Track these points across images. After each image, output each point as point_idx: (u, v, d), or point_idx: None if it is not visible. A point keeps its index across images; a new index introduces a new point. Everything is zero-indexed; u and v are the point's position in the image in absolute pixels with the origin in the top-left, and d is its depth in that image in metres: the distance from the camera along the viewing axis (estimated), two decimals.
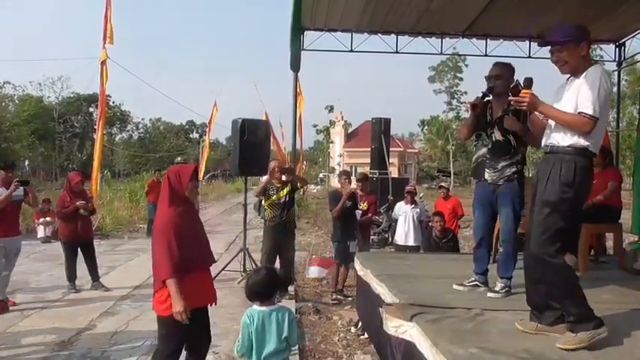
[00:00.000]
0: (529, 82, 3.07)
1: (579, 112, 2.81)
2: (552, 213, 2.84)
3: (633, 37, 8.04)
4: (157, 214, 3.40)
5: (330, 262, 7.36)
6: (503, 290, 3.94)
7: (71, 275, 7.01)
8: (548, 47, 3.05)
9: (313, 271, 8.11)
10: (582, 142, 2.84)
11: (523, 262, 3.16)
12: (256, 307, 2.89)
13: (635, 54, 8.60)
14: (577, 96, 2.86)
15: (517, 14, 6.78)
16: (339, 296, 6.97)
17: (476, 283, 4.14)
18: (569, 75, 3.02)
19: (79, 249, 7.06)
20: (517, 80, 3.27)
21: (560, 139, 2.92)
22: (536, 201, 2.96)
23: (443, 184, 9.66)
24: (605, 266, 5.43)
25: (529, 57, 7.86)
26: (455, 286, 4.17)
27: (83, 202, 6.96)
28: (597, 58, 11.14)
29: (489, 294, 3.94)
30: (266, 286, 2.89)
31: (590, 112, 2.78)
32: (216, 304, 3.44)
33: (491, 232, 4.35)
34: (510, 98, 3.09)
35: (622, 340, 2.90)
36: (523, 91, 2.99)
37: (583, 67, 2.92)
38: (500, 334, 3.04)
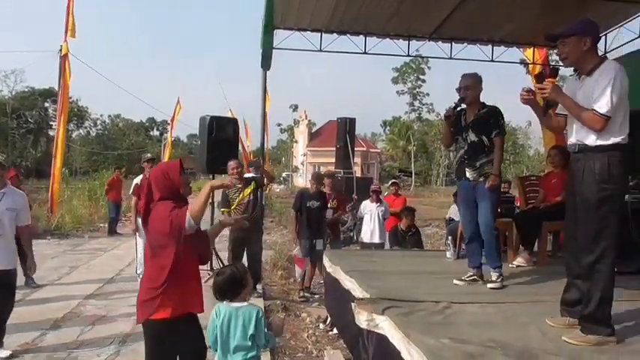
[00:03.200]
0: (555, 72, 3.08)
1: (592, 109, 2.79)
2: (595, 212, 2.81)
3: None
4: (156, 216, 2.97)
5: (302, 261, 7.33)
6: (499, 279, 4.17)
7: None
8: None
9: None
10: (613, 138, 2.81)
11: (564, 259, 3.24)
12: (225, 304, 2.93)
13: None
14: (592, 93, 2.82)
15: (481, 20, 7.01)
16: (306, 294, 7.04)
17: (474, 277, 4.32)
18: (577, 71, 3.01)
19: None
20: (545, 68, 3.19)
21: (589, 137, 2.85)
22: (577, 202, 2.93)
23: (395, 180, 9.95)
24: (562, 261, 5.68)
25: (492, 61, 8.12)
26: (455, 282, 4.29)
27: None
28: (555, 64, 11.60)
29: (489, 285, 4.15)
30: (231, 285, 2.92)
31: (602, 110, 2.76)
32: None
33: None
34: (536, 85, 3.04)
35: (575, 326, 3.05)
36: (548, 79, 3.04)
37: (589, 62, 2.89)
38: (468, 325, 3.16)
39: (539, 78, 3.08)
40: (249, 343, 2.87)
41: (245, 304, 2.95)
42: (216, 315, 2.92)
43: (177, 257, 2.92)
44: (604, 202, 2.81)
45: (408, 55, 8.08)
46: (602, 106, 2.77)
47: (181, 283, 2.95)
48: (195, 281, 3.11)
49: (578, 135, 2.93)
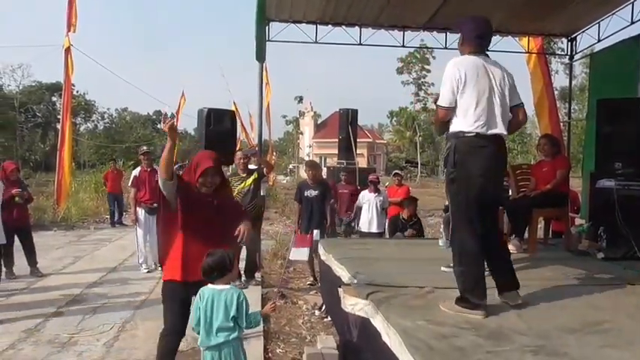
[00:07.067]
0: None
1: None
2: (448, 193, 3.27)
3: (583, 32, 8.45)
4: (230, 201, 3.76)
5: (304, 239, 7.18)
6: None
7: (9, 262, 6.93)
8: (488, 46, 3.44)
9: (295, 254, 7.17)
10: (456, 127, 3.17)
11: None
12: (210, 286, 3.06)
13: (586, 48, 9.03)
14: None
15: (473, 9, 7.01)
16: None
17: None
18: None
19: (15, 237, 7.05)
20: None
21: (451, 126, 3.26)
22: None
23: (398, 171, 10.04)
24: (552, 248, 5.78)
25: (487, 50, 8.13)
26: (443, 268, 4.30)
27: (18, 189, 7.00)
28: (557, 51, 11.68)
29: (443, 268, 4.23)
30: (216, 267, 3.04)
31: (440, 103, 3.19)
32: None
33: None
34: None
35: (550, 309, 3.31)
36: None
37: None
38: None
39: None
40: (232, 325, 3.00)
41: (228, 286, 3.08)
42: (200, 298, 3.04)
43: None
44: (452, 183, 3.21)
45: (404, 47, 8.12)
46: (440, 100, 3.19)
47: None
48: None
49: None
